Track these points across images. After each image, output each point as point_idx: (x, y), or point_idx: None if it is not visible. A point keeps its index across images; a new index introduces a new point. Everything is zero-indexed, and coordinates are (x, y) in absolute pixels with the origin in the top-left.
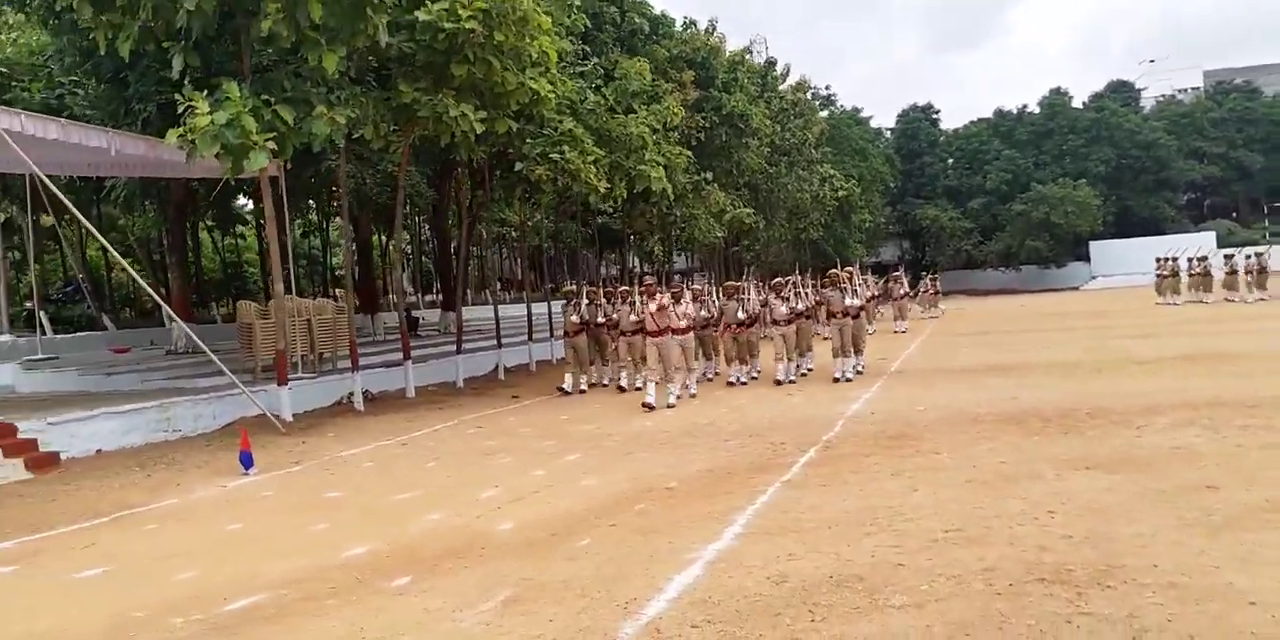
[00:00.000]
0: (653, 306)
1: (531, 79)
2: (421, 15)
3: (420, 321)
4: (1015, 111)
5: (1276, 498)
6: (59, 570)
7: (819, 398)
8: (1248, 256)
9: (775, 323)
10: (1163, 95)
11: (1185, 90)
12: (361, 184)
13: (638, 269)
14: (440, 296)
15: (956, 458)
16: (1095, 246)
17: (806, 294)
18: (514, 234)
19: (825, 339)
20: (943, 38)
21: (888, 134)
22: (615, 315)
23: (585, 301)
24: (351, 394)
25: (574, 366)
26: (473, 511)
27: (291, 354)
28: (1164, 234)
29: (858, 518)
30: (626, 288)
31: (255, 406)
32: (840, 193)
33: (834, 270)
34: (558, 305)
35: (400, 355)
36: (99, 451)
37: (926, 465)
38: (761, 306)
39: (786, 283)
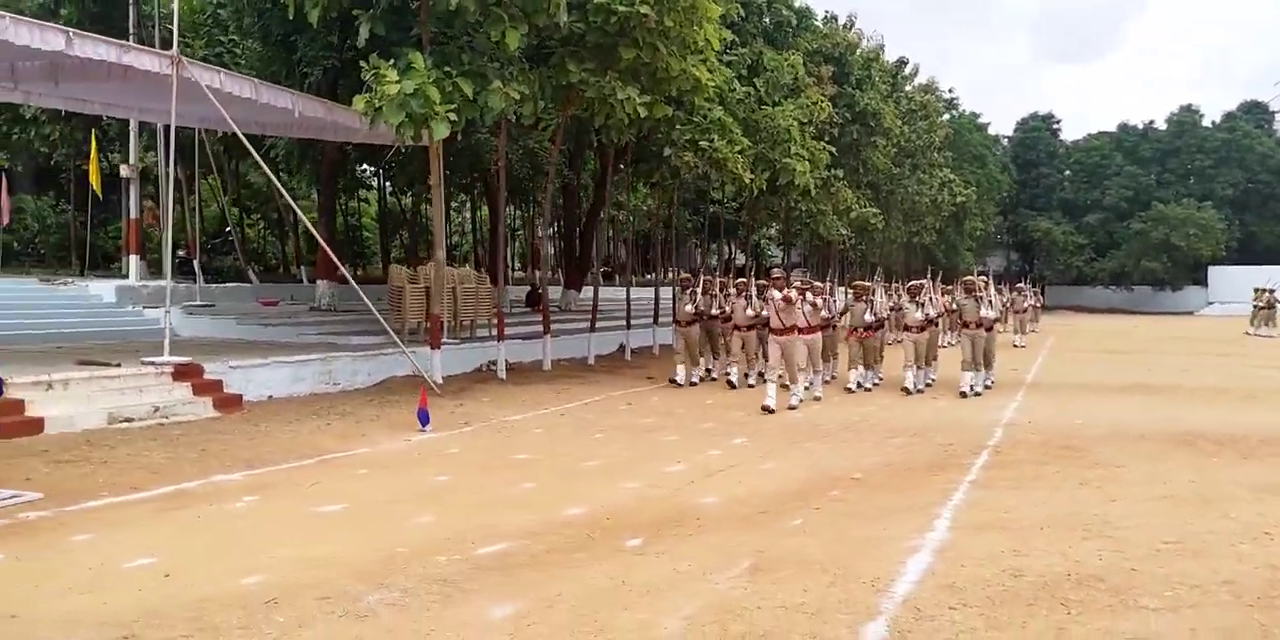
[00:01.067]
0: (781, 301)
1: (693, 66)
2: None
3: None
4: (1140, 127)
5: None
6: (299, 504)
7: (962, 404)
8: None
9: (907, 328)
10: None
11: None
12: (505, 159)
13: (740, 260)
14: (559, 274)
15: (1140, 473)
16: (1214, 272)
17: (936, 300)
18: (627, 217)
19: (943, 348)
20: (1053, 48)
21: (1004, 142)
22: (730, 307)
23: (700, 291)
24: (492, 362)
25: (685, 357)
26: (669, 484)
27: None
28: (983, 270)
29: (1066, 522)
30: (743, 279)
31: (406, 367)
32: (958, 198)
33: (970, 278)
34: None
35: (533, 328)
36: (270, 397)
37: (1111, 478)
38: (891, 310)
39: (922, 287)
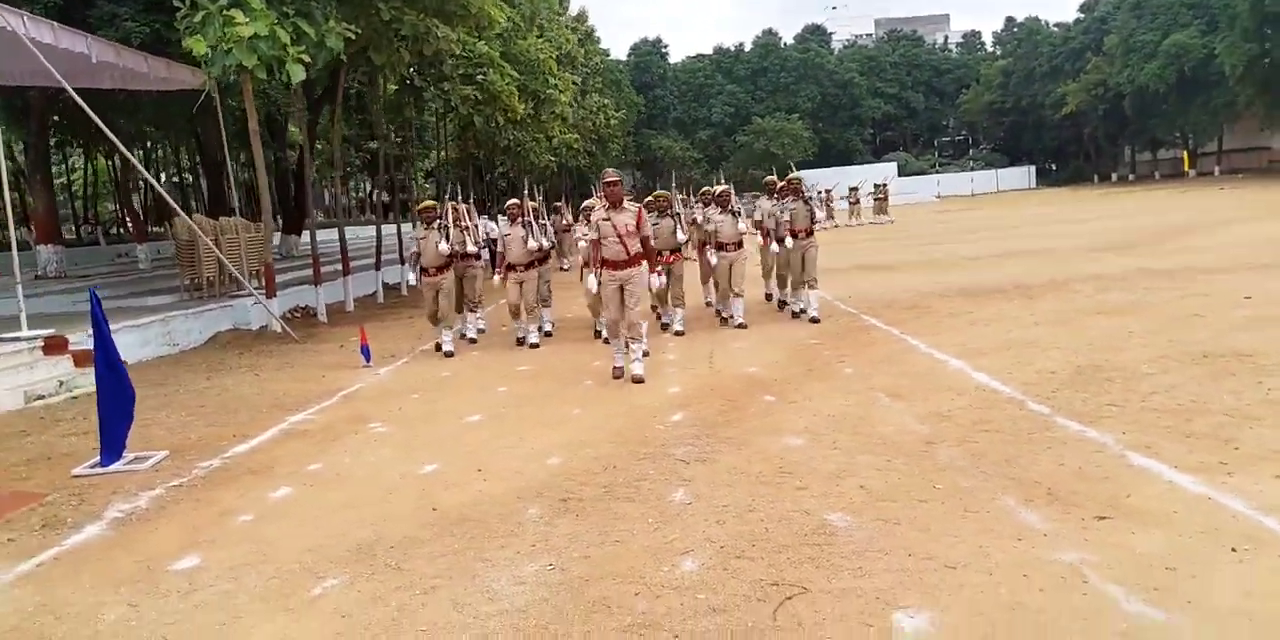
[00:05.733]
0: (625, 220)
1: (490, 3)
2: None
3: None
4: (733, 49)
5: (1244, 316)
6: (435, 422)
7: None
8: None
9: (722, 246)
10: (846, 41)
11: (861, 36)
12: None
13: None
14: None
15: (991, 313)
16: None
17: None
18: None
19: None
20: None
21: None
22: (496, 236)
23: (451, 223)
24: (297, 308)
25: (445, 315)
26: (697, 367)
27: (231, 272)
28: (854, 164)
29: (1013, 345)
30: (515, 200)
31: (227, 321)
32: (612, 122)
33: (794, 175)
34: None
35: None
36: (126, 363)
37: (981, 319)
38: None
39: (729, 194)
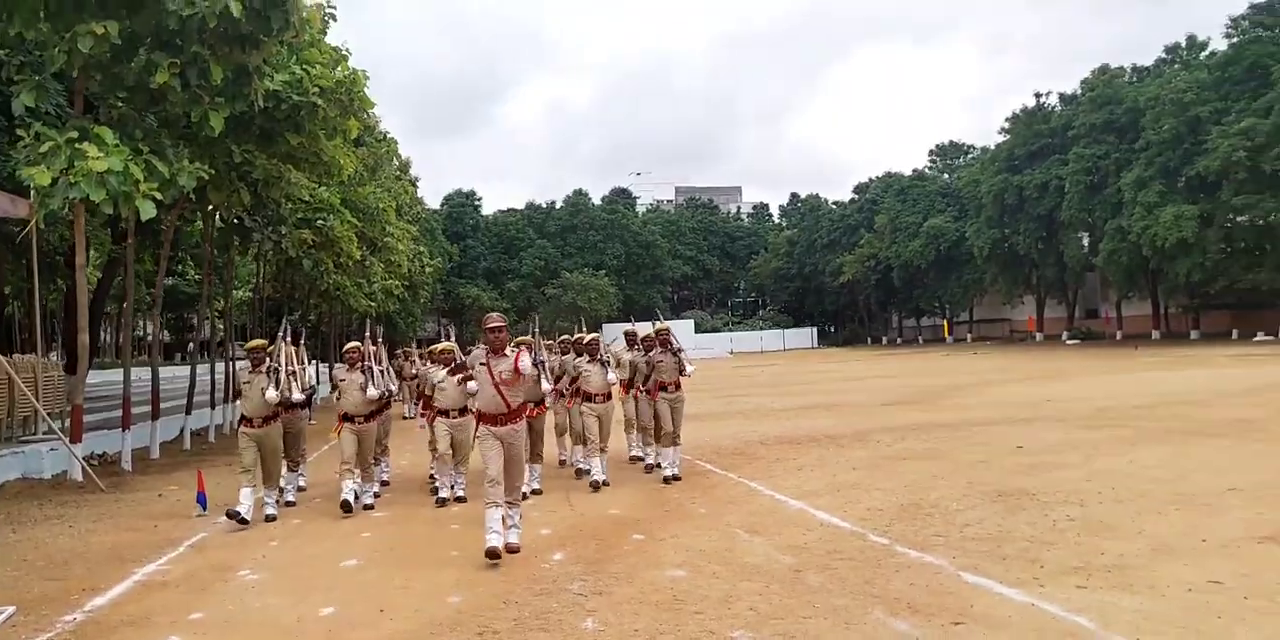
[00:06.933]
0: (503, 369)
1: (342, 153)
2: (270, 84)
3: None
4: (545, 206)
5: (1020, 462)
6: (308, 571)
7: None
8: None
9: (588, 398)
10: (649, 205)
11: (663, 201)
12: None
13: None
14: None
15: (808, 461)
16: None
17: (612, 360)
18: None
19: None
20: (425, 125)
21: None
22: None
23: (282, 366)
24: (97, 455)
25: (254, 475)
26: (558, 511)
27: (17, 413)
28: (655, 319)
29: (840, 487)
30: (356, 343)
31: (14, 470)
32: (428, 269)
33: (661, 325)
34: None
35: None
36: None
37: (804, 465)
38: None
39: (598, 342)
